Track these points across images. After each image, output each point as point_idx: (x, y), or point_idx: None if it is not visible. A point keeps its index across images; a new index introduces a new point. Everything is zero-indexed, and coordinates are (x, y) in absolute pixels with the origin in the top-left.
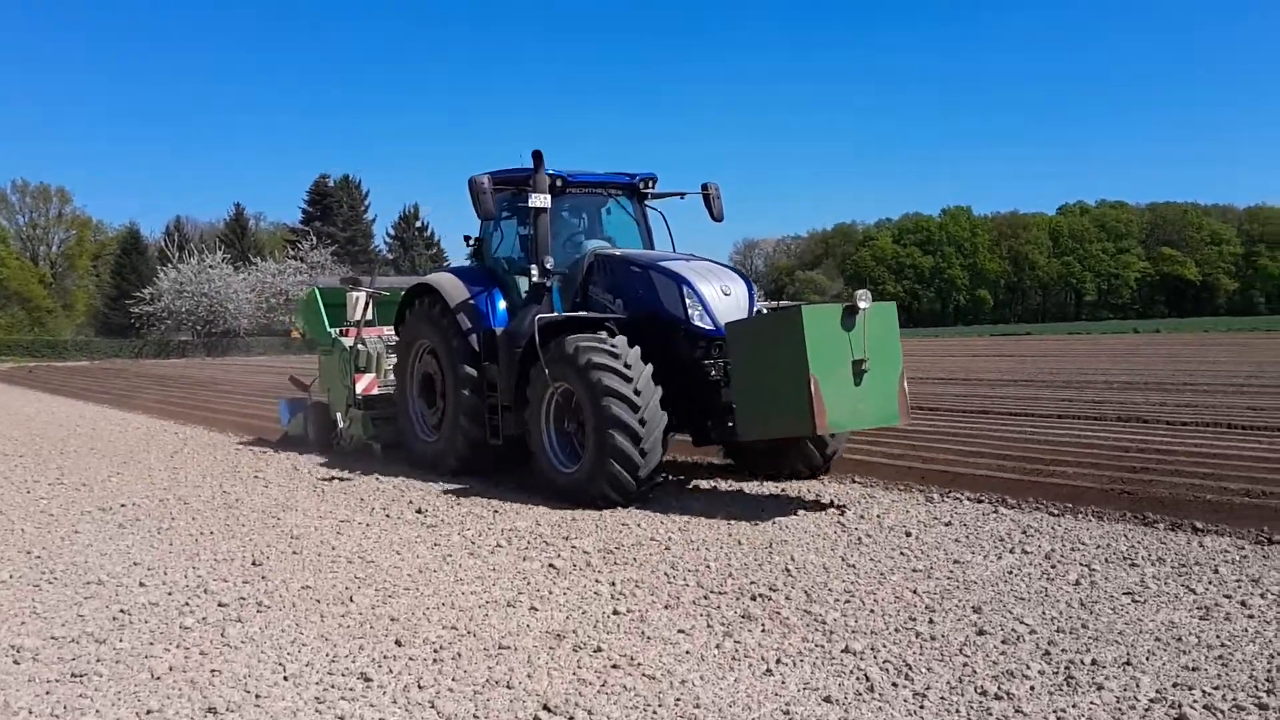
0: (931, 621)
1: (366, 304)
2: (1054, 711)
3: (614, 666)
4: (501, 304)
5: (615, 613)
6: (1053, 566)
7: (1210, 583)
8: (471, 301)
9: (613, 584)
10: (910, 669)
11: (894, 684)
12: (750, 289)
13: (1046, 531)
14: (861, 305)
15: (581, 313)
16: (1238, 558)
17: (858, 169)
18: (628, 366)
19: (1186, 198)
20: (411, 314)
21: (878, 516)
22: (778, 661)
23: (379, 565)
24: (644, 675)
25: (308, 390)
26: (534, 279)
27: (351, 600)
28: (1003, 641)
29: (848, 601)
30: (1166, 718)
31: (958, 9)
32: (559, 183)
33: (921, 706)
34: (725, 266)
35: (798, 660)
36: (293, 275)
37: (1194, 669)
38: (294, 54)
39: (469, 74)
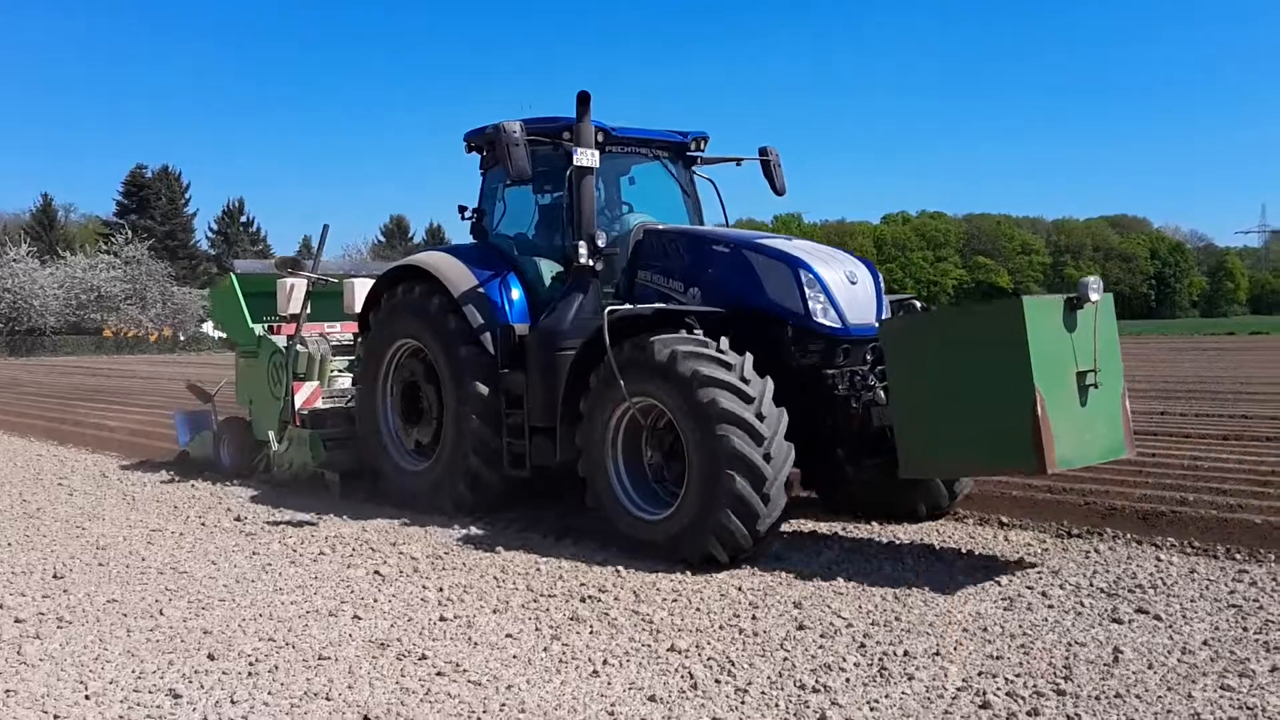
0: (754, 618)
1: (307, 294)
2: (868, 702)
3: (439, 674)
4: (515, 292)
5: (442, 619)
6: (867, 561)
7: (1014, 575)
8: (481, 290)
9: (440, 589)
10: (733, 665)
11: (717, 680)
12: (877, 277)
13: (863, 527)
14: (1093, 297)
15: (659, 304)
16: (1039, 550)
17: None
18: (745, 381)
19: (1000, 210)
20: (388, 305)
21: None
22: (604, 662)
23: (192, 576)
24: (469, 681)
25: (211, 401)
26: (581, 259)
27: (161, 613)
28: (821, 635)
29: (675, 600)
30: (972, 705)
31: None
32: (600, 136)
33: (743, 702)
34: (830, 248)
35: (624, 660)
36: (105, 271)
37: (998, 658)
38: (109, 33)
39: (302, 59)
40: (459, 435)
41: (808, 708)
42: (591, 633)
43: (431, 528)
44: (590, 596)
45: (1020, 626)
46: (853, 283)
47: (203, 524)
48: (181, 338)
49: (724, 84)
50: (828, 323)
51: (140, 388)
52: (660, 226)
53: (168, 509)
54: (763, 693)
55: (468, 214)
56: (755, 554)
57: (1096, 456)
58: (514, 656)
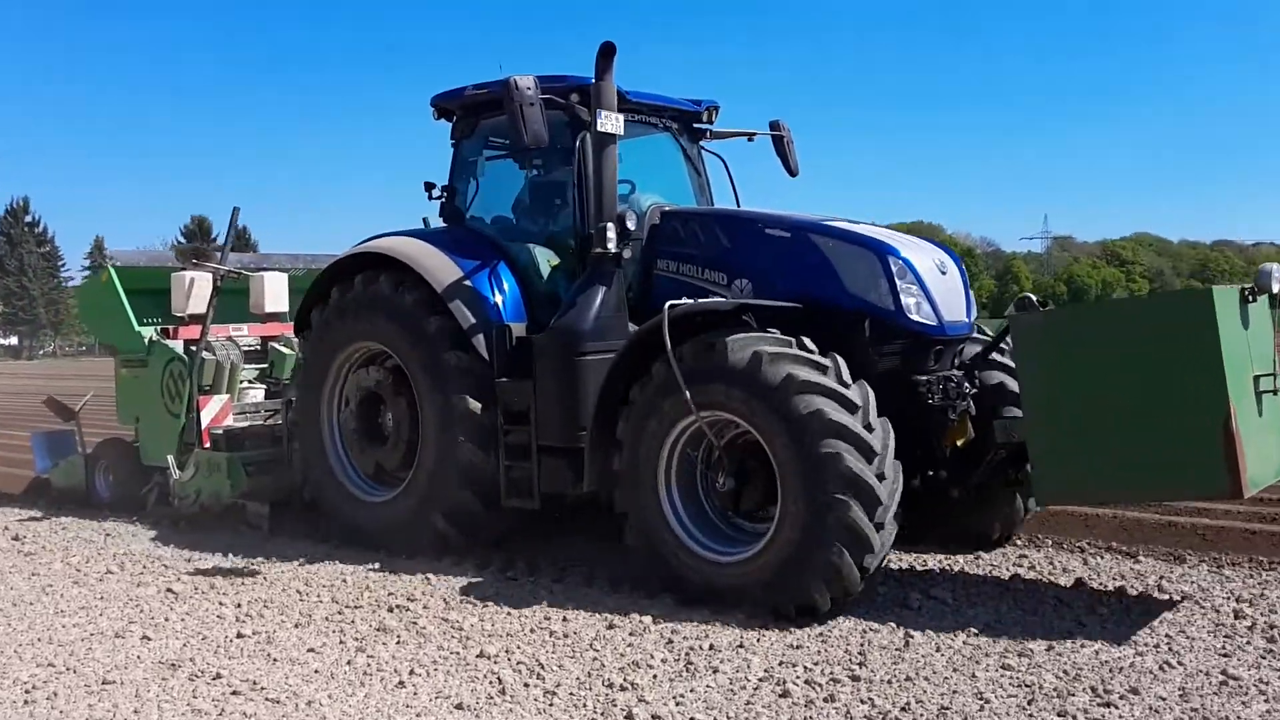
0: (565, 619)
1: (214, 290)
2: (674, 697)
3: (234, 693)
4: (507, 286)
5: (239, 635)
6: None
7: None
8: (468, 283)
9: (239, 605)
10: (542, 668)
11: (525, 684)
12: (962, 269)
13: None
14: (1275, 287)
15: (720, 298)
16: None
17: None
18: (846, 386)
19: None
20: (340, 302)
21: None
22: (411, 672)
23: None
24: (267, 699)
25: (75, 419)
26: (609, 245)
27: None
28: (630, 634)
29: (486, 606)
30: (773, 694)
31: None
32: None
33: (551, 704)
34: (904, 234)
35: (432, 669)
36: None
37: (798, 648)
38: None
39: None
40: (441, 459)
41: (615, 706)
42: (399, 643)
43: (232, 543)
44: (399, 606)
45: (818, 617)
46: (943, 273)
47: None
48: None
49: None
50: (921, 319)
51: None
52: (684, 208)
53: None
54: (571, 694)
55: (436, 192)
56: (858, 599)
57: (1274, 474)
58: (316, 671)
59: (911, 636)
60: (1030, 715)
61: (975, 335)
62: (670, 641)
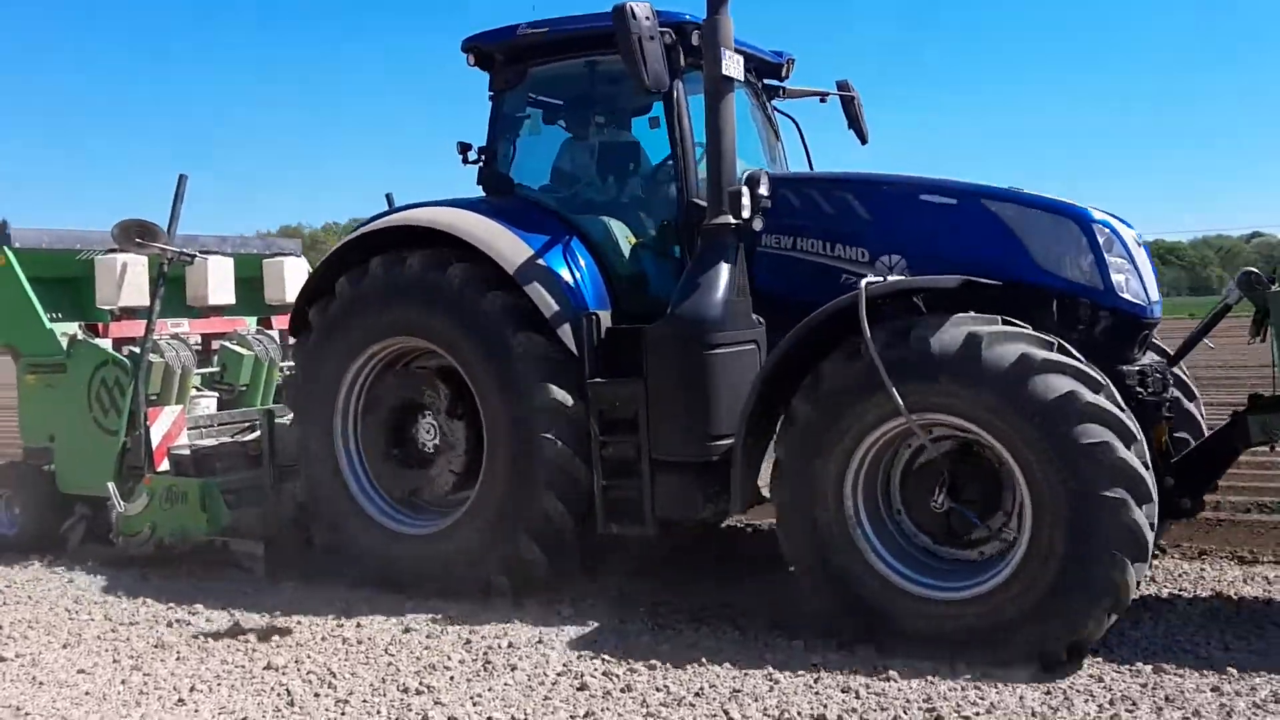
0: (359, 625)
1: (160, 275)
2: (471, 697)
3: None
4: (585, 265)
5: (1, 659)
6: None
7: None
8: (542, 263)
9: (0, 628)
10: (334, 676)
11: (316, 694)
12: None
13: None
14: None
15: (927, 277)
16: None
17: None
18: (1083, 361)
19: None
20: (357, 290)
21: None
22: (192, 689)
23: None
24: None
25: None
26: (743, 214)
27: None
28: (427, 636)
29: (275, 616)
30: (570, 687)
31: None
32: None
33: (343, 713)
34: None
35: (215, 685)
36: None
37: (596, 640)
38: None
39: None
40: (518, 467)
41: (410, 711)
42: (178, 659)
43: None
44: (179, 620)
45: (613, 610)
46: (1140, 245)
47: None
48: None
49: None
50: (1131, 298)
51: None
52: (799, 173)
53: None
54: (365, 701)
55: (472, 155)
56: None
57: None
58: (86, 693)
59: (704, 625)
60: (816, 692)
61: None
62: (468, 642)
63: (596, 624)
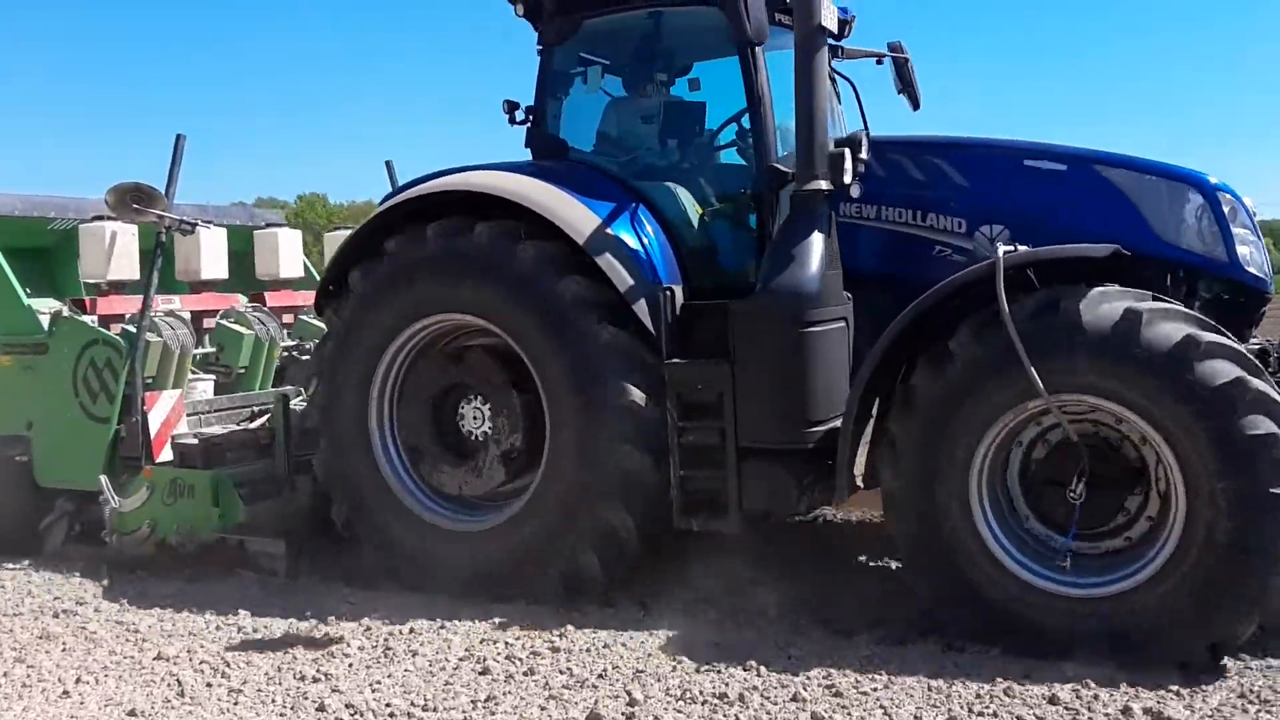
0: (255, 615)
1: (158, 246)
2: (370, 684)
3: None
4: (654, 235)
5: None
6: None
7: None
8: (611, 233)
9: None
10: (228, 666)
11: (208, 684)
12: None
13: None
14: None
15: (1073, 245)
16: None
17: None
18: (1243, 344)
19: None
20: (396, 264)
21: None
22: (78, 680)
23: None
24: None
25: None
26: (845, 178)
27: None
28: (326, 624)
29: (168, 606)
30: (473, 672)
31: None
32: None
33: (236, 703)
34: None
35: (102, 676)
36: None
37: (500, 624)
38: None
39: None
40: (583, 471)
41: (306, 699)
42: (64, 650)
43: None
44: (66, 611)
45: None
46: (1255, 215)
47: None
48: None
49: None
50: (1256, 272)
51: None
52: (882, 136)
53: None
54: (259, 690)
55: (519, 114)
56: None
57: None
58: None
59: (611, 607)
60: (718, 671)
61: None
62: (368, 629)
63: (501, 608)
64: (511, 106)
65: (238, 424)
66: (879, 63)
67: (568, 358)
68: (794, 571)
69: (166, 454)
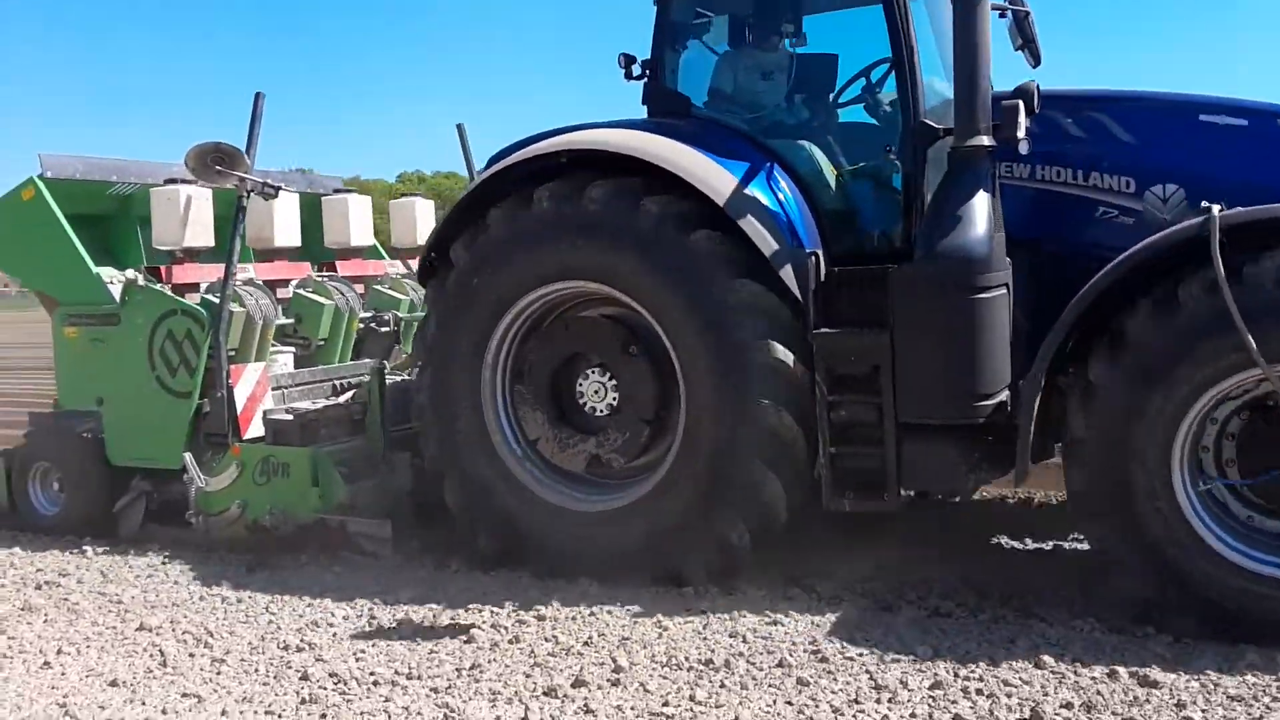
0: (239, 585)
1: (240, 211)
2: (354, 653)
3: None
4: (791, 196)
5: None
6: None
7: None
8: (751, 194)
9: None
10: (211, 636)
11: (191, 654)
12: None
13: None
14: None
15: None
16: None
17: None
18: None
19: None
20: (510, 228)
21: None
22: (59, 651)
23: None
24: None
25: None
26: (1018, 134)
27: None
28: (311, 595)
29: (150, 577)
30: (457, 641)
31: None
32: None
33: (219, 673)
34: None
35: (84, 647)
36: None
37: (485, 594)
38: None
39: None
40: (724, 449)
41: (289, 668)
42: (46, 621)
43: None
44: (49, 582)
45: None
46: None
47: None
48: None
49: None
50: None
51: None
52: (1093, 91)
53: None
54: (242, 660)
55: (636, 69)
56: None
57: None
58: None
59: (595, 576)
60: (704, 638)
61: None
62: (354, 600)
63: (486, 578)
64: (629, 60)
65: (326, 399)
66: (1002, 16)
67: (703, 315)
68: (780, 539)
69: (253, 430)
